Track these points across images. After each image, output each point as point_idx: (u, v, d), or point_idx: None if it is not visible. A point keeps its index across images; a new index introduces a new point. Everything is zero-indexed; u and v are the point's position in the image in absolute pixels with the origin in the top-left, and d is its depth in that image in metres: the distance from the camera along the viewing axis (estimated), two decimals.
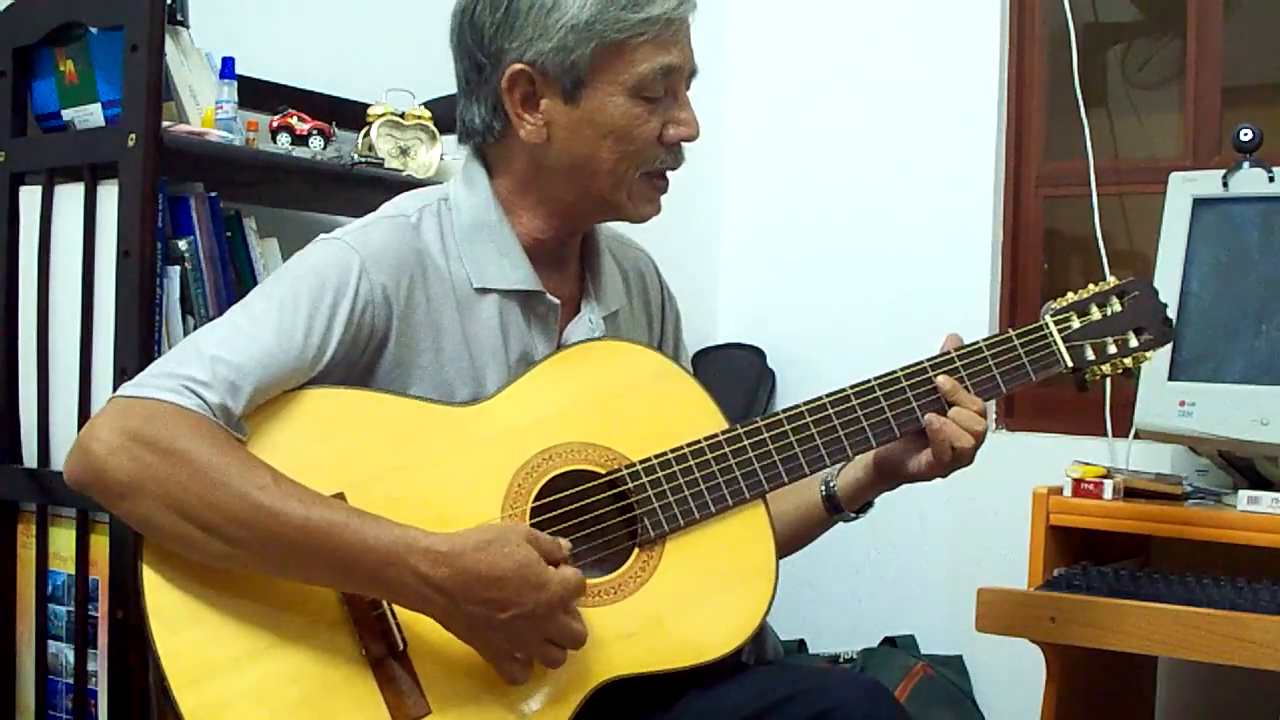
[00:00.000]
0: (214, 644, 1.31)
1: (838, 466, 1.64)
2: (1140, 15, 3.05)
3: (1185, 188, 2.31)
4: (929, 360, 1.57)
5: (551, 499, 1.44)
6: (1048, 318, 1.61)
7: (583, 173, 1.49)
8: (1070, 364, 1.60)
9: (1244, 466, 2.26)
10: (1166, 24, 2.93)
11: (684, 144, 1.51)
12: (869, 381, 1.55)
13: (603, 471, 1.46)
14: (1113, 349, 1.61)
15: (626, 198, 1.51)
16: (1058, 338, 1.60)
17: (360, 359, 1.44)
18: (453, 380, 1.47)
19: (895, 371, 1.56)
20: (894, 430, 1.54)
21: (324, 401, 1.40)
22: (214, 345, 1.36)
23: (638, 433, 1.48)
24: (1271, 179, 2.24)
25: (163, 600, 1.32)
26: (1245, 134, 2.28)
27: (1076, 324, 1.61)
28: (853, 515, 1.67)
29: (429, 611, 1.33)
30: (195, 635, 1.31)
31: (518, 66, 1.46)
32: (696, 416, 1.51)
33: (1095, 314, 1.62)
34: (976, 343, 1.59)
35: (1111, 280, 1.65)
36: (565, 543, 1.37)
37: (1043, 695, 2.17)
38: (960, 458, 1.55)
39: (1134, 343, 1.62)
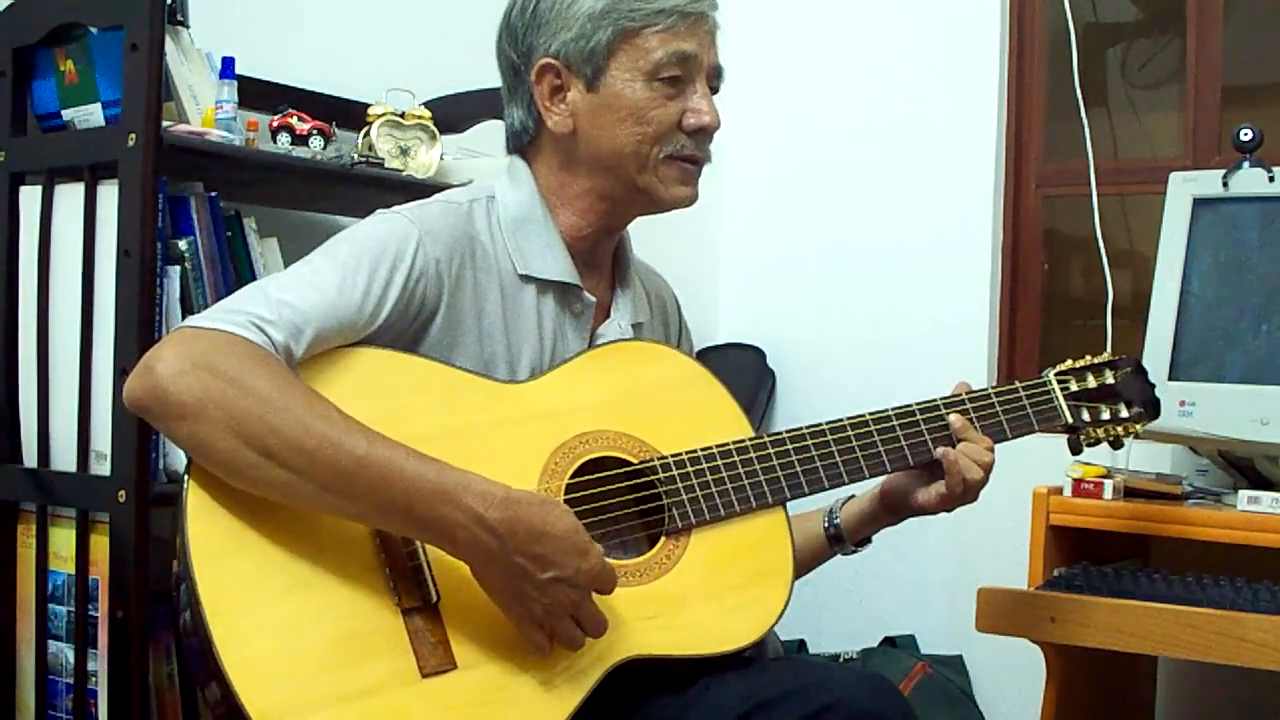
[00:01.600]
0: (251, 575, 1.32)
1: (841, 501, 1.72)
2: (1140, 15, 3.05)
3: (1185, 188, 2.31)
4: (941, 399, 1.66)
5: (584, 479, 1.48)
6: (1050, 376, 1.73)
7: (607, 159, 1.55)
8: (1070, 420, 1.72)
9: (1244, 466, 2.25)
10: (1166, 24, 2.93)
11: (708, 134, 1.57)
12: (886, 411, 1.64)
13: (635, 461, 1.51)
14: (1106, 415, 1.75)
15: (655, 181, 1.56)
16: (1060, 395, 1.72)
17: (409, 328, 1.48)
18: (490, 360, 1.52)
19: (910, 405, 1.65)
20: (908, 458, 1.62)
21: (374, 362, 1.44)
22: (280, 290, 1.40)
23: (669, 429, 1.54)
24: (1271, 179, 2.24)
25: (204, 528, 1.33)
26: (1245, 134, 2.28)
27: (1075, 387, 1.74)
28: (852, 549, 1.74)
29: (475, 556, 1.34)
30: (233, 565, 1.32)
31: (544, 60, 1.55)
32: (724, 421, 1.58)
33: (1091, 381, 1.75)
34: (985, 390, 1.69)
35: (1106, 355, 1.78)
36: (597, 546, 1.40)
37: (1043, 695, 2.17)
38: (969, 490, 1.62)
39: (1124, 414, 1.76)
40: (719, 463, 1.53)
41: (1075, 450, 1.76)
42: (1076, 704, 2.22)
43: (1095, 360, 1.76)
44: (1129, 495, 2.22)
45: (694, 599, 1.47)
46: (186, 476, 1.35)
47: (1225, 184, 2.27)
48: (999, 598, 2.02)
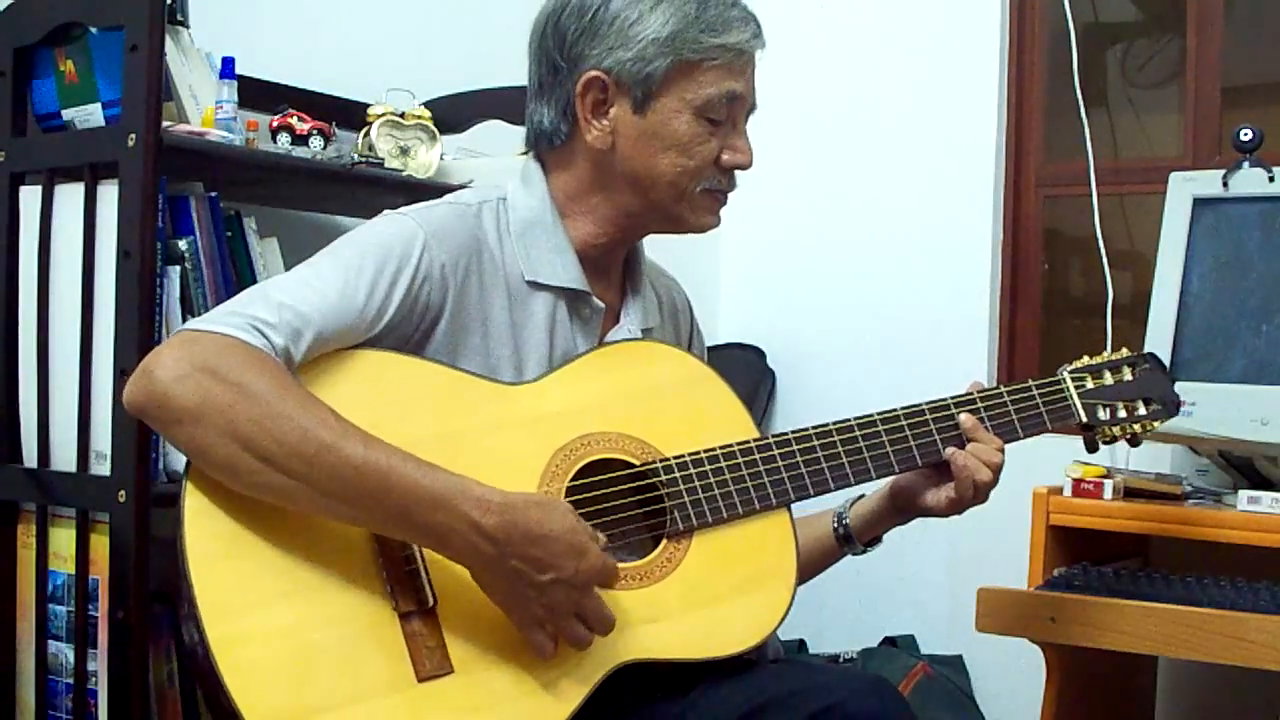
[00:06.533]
0: (248, 580, 1.32)
1: (850, 501, 1.71)
2: (1140, 15, 3.05)
3: (1185, 188, 2.31)
4: (952, 398, 1.64)
5: (586, 481, 1.47)
6: (1065, 374, 1.70)
7: (643, 182, 1.54)
8: (1084, 419, 1.69)
9: (1244, 466, 2.25)
10: (1166, 24, 2.93)
11: (738, 171, 1.57)
12: (895, 410, 1.62)
13: (637, 462, 1.50)
14: (1123, 413, 1.71)
15: (688, 210, 1.57)
16: (1074, 394, 1.69)
17: (413, 333, 1.48)
18: (496, 365, 1.51)
19: (920, 404, 1.63)
20: (916, 459, 1.61)
21: (375, 364, 1.44)
22: (281, 293, 1.40)
23: (672, 430, 1.53)
24: (1271, 179, 2.24)
25: (201, 532, 1.33)
26: (1245, 134, 2.28)
27: (1090, 385, 1.70)
28: (861, 549, 1.73)
29: (473, 562, 1.34)
30: (230, 569, 1.32)
31: (594, 73, 1.52)
32: (729, 422, 1.57)
33: (1108, 379, 1.71)
34: (998, 387, 1.67)
35: (1124, 351, 1.75)
36: (601, 536, 1.40)
37: (1043, 695, 2.17)
38: (979, 493, 1.61)
39: (1142, 411, 1.72)
40: (722, 464, 1.52)
41: (1091, 449, 1.73)
42: (1076, 704, 2.22)
43: (1113, 357, 1.73)
44: (1129, 495, 2.22)
45: (695, 602, 1.46)
46: (185, 480, 1.35)
47: (1225, 184, 2.27)
48: (999, 598, 2.02)
